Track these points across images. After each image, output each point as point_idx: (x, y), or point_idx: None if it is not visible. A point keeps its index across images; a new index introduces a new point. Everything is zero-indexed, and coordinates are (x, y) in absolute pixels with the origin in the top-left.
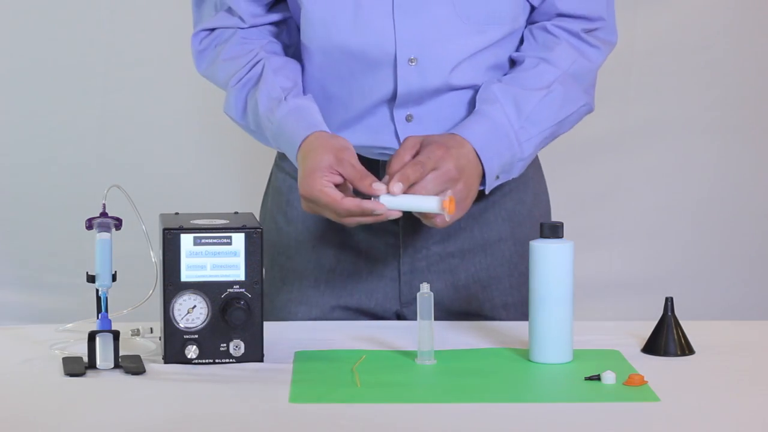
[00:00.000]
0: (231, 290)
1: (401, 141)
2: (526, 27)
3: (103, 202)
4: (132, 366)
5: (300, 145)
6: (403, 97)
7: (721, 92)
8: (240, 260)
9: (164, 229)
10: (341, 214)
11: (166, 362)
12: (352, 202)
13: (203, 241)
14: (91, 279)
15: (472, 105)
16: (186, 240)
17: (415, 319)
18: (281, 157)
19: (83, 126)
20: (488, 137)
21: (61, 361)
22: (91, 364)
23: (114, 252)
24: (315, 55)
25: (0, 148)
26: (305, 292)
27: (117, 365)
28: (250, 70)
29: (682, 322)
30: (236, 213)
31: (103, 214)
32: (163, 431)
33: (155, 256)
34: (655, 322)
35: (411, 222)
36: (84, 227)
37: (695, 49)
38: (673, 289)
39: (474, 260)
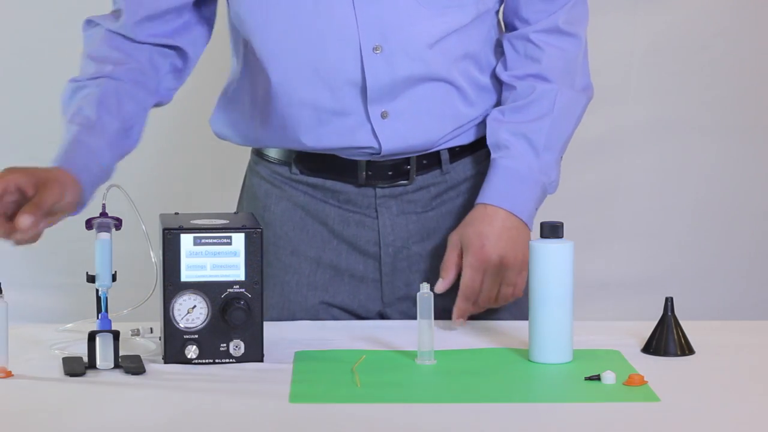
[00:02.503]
0: (231, 290)
1: (379, 139)
2: (502, 35)
3: (103, 202)
4: (132, 366)
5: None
6: (374, 90)
7: (721, 92)
8: (240, 260)
9: (164, 229)
10: None
11: (166, 362)
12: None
13: (203, 241)
14: (91, 279)
15: (447, 100)
16: (186, 240)
17: (399, 318)
18: (255, 162)
19: None
20: (515, 189)
21: (61, 361)
22: (91, 364)
23: (114, 252)
24: (277, 59)
25: (0, 148)
26: (287, 297)
27: (117, 365)
28: (94, 79)
29: (682, 322)
30: (236, 213)
31: (103, 214)
32: (163, 431)
33: (155, 256)
34: (655, 322)
35: (390, 221)
36: (84, 227)
37: (695, 49)
38: (673, 289)
39: None
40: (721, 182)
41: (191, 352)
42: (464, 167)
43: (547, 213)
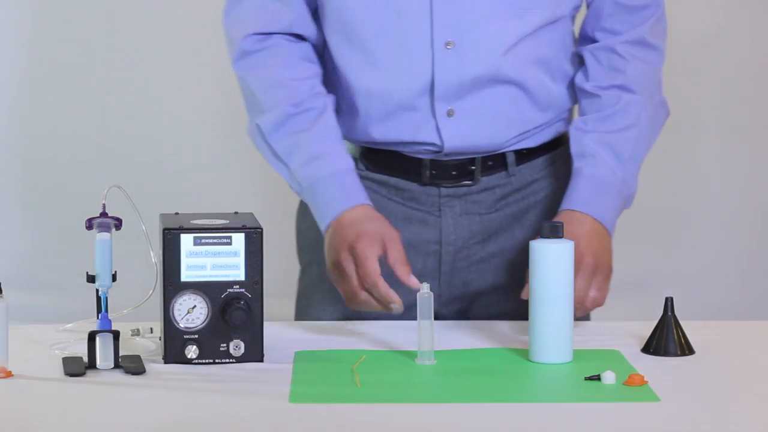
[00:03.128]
0: (231, 290)
1: (443, 137)
2: (583, 46)
3: (103, 202)
4: (132, 366)
5: (350, 208)
6: (441, 87)
7: (721, 92)
8: (240, 260)
9: (164, 229)
10: (367, 285)
11: (166, 362)
12: (384, 285)
13: (203, 241)
14: (91, 279)
15: (516, 104)
16: (186, 240)
17: (453, 318)
18: None
19: (84, 126)
20: (600, 197)
21: (61, 361)
22: (91, 364)
23: (114, 252)
24: (350, 47)
25: (0, 149)
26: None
27: (117, 365)
28: (311, 102)
29: (682, 322)
30: (236, 213)
31: (103, 214)
32: (163, 431)
33: (155, 256)
34: (655, 322)
35: (453, 221)
36: (84, 227)
37: (694, 50)
38: (673, 289)
39: (514, 261)
40: (721, 182)
41: (191, 352)
42: (530, 170)
43: None
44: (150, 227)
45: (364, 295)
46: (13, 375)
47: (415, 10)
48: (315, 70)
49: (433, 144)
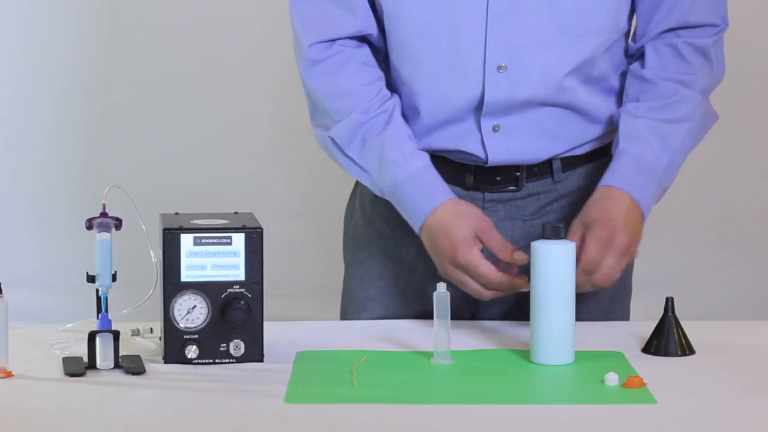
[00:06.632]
0: (231, 290)
1: (487, 151)
2: (648, 41)
3: (103, 202)
4: (132, 366)
5: (434, 211)
6: (490, 106)
7: (721, 92)
8: (240, 260)
9: (164, 229)
10: (490, 285)
11: (166, 362)
12: (504, 277)
13: (203, 241)
14: (91, 279)
15: (564, 123)
16: (186, 240)
17: (490, 319)
18: None
19: (83, 126)
20: (642, 178)
21: (61, 361)
22: (91, 364)
23: (114, 252)
24: (404, 59)
25: (0, 148)
26: (384, 291)
27: (117, 365)
28: (379, 106)
29: (682, 322)
30: (236, 213)
31: (103, 214)
32: (163, 431)
33: (155, 256)
34: (655, 322)
35: (496, 226)
36: (84, 227)
37: None
38: (673, 289)
39: None
40: (722, 182)
41: (191, 352)
42: (577, 177)
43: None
44: (150, 227)
45: (491, 294)
46: (13, 375)
47: (470, 31)
48: (379, 74)
49: (476, 156)
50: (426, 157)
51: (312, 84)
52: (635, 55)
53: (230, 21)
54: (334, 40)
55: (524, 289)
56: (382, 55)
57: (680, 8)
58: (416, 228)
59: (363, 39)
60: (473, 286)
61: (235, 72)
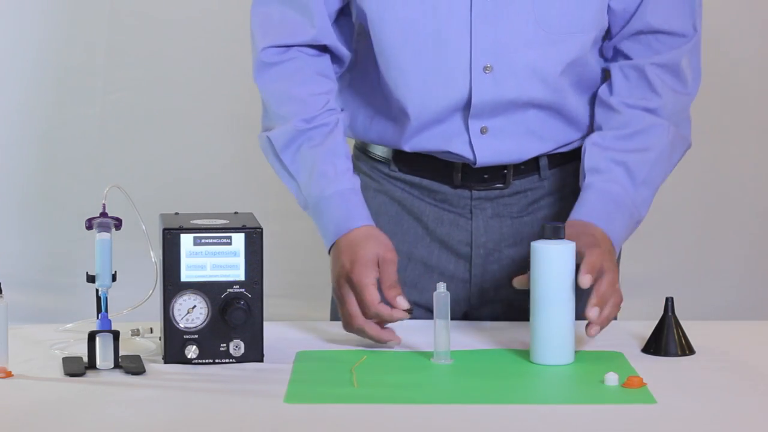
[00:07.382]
0: (231, 290)
1: (475, 152)
2: (614, 61)
3: (103, 202)
4: (132, 366)
5: (349, 231)
6: (477, 107)
7: (722, 92)
8: (240, 260)
9: (164, 229)
10: (367, 314)
11: (166, 362)
12: (384, 308)
13: (203, 241)
14: (91, 279)
15: (552, 125)
16: (186, 240)
17: (484, 319)
18: (357, 157)
19: (83, 126)
20: (611, 213)
21: (61, 361)
22: (91, 364)
23: (114, 252)
24: (389, 63)
25: (0, 148)
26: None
27: (117, 365)
28: (323, 118)
29: (682, 322)
30: (236, 213)
31: (103, 214)
32: (163, 431)
33: (155, 256)
34: (655, 322)
35: (484, 223)
36: (84, 227)
37: None
38: (673, 289)
39: None
40: (722, 182)
41: (191, 352)
42: (564, 174)
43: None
44: (150, 227)
45: (359, 323)
46: (13, 375)
47: (455, 33)
48: (331, 86)
49: (464, 157)
50: (357, 180)
51: (262, 86)
52: (603, 67)
53: (230, 21)
54: (290, 46)
55: (391, 346)
56: (346, 66)
57: (651, 12)
58: (327, 244)
59: (324, 49)
60: (350, 308)
61: (235, 72)
